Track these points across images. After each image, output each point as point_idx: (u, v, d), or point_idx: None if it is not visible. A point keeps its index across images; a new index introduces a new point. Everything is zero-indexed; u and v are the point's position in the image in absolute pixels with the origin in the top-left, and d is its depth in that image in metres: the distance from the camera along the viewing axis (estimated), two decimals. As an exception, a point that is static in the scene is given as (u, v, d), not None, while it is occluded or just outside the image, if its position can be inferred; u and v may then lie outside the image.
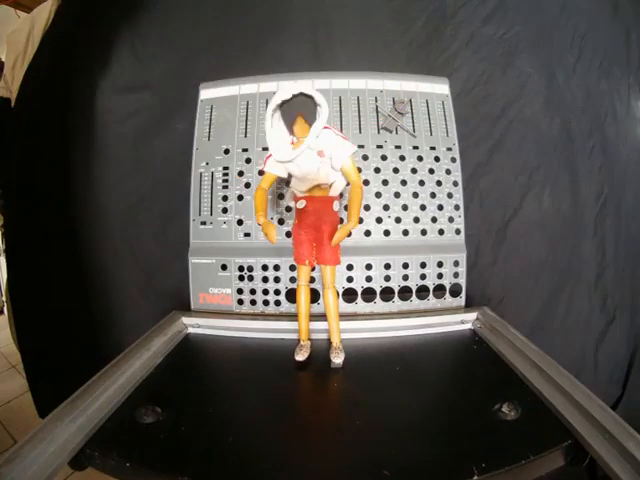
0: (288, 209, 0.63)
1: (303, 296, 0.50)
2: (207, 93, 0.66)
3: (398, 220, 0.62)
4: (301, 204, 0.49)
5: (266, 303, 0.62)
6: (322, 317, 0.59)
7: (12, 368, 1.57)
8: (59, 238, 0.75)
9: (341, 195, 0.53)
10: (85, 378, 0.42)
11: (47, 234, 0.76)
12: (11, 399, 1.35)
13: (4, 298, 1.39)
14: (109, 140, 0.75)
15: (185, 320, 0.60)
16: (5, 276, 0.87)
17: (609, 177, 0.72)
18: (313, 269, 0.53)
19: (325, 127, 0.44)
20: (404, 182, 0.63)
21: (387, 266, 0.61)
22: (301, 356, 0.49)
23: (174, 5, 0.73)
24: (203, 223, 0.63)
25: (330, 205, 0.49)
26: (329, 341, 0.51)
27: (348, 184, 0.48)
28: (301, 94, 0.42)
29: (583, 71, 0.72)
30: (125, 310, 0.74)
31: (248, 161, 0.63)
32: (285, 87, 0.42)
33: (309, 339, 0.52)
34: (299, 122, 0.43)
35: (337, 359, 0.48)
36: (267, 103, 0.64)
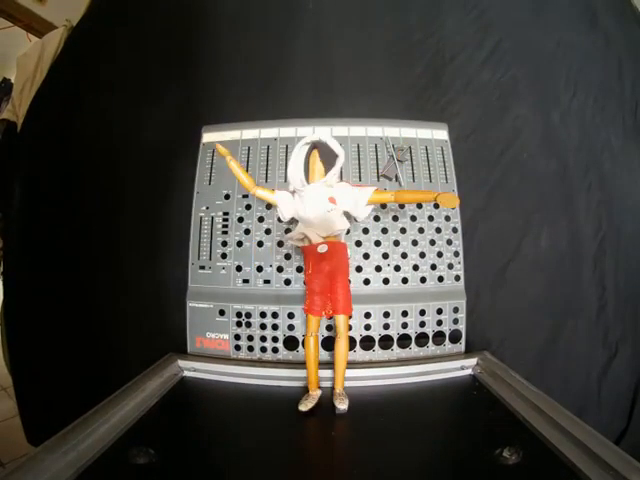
0: (287, 257, 0.63)
1: (312, 346, 0.50)
2: (209, 137, 0.67)
3: (397, 268, 0.62)
4: (323, 248, 0.48)
5: (264, 350, 0.61)
6: (323, 364, 0.59)
7: (2, 391, 1.54)
8: (58, 266, 0.75)
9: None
10: (76, 409, 0.41)
11: (46, 260, 0.75)
12: (-1, 421, 1.32)
13: (-2, 321, 1.37)
14: (111, 173, 0.75)
15: (181, 363, 0.59)
16: (1, 299, 0.86)
17: (607, 212, 0.72)
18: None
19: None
20: (403, 230, 0.63)
21: (386, 314, 0.61)
22: (304, 406, 0.47)
23: (178, 50, 0.75)
24: (202, 267, 0.63)
25: (346, 251, 0.51)
26: (332, 389, 0.50)
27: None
28: (319, 141, 0.47)
29: (578, 107, 0.73)
30: (121, 347, 0.73)
31: (248, 207, 0.63)
32: (307, 135, 0.48)
33: (319, 387, 0.51)
34: (314, 155, 0.48)
35: (342, 405, 0.47)
36: (268, 149, 0.65)
